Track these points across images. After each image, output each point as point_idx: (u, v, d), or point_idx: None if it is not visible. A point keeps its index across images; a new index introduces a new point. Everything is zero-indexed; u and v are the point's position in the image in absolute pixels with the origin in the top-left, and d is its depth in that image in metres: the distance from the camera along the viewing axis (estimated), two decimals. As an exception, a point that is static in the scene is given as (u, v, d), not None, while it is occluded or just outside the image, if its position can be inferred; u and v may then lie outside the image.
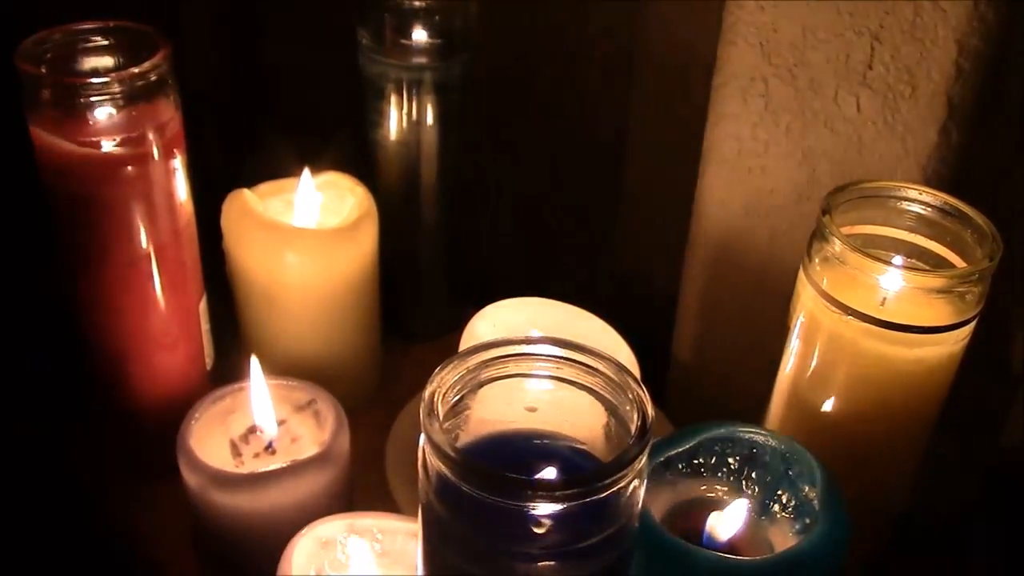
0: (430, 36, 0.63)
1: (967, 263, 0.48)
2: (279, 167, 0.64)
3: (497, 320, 0.57)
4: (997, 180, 0.57)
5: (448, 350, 0.49)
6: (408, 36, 0.63)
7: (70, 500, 0.62)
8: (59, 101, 0.51)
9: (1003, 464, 0.62)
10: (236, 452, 0.55)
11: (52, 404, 0.65)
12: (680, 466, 0.47)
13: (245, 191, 0.62)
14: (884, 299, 0.48)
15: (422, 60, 0.63)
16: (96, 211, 0.53)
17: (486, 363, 0.36)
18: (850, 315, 0.47)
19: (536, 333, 0.56)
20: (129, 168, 0.52)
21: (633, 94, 0.72)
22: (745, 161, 0.59)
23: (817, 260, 0.49)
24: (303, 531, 0.48)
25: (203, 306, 0.60)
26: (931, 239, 0.50)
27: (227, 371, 0.60)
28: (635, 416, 0.35)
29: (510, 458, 0.38)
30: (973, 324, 0.48)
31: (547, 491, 0.32)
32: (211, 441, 0.55)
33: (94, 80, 0.51)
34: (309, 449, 0.54)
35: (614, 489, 0.33)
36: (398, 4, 0.62)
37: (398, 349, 0.70)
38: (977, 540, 0.59)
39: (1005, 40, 0.51)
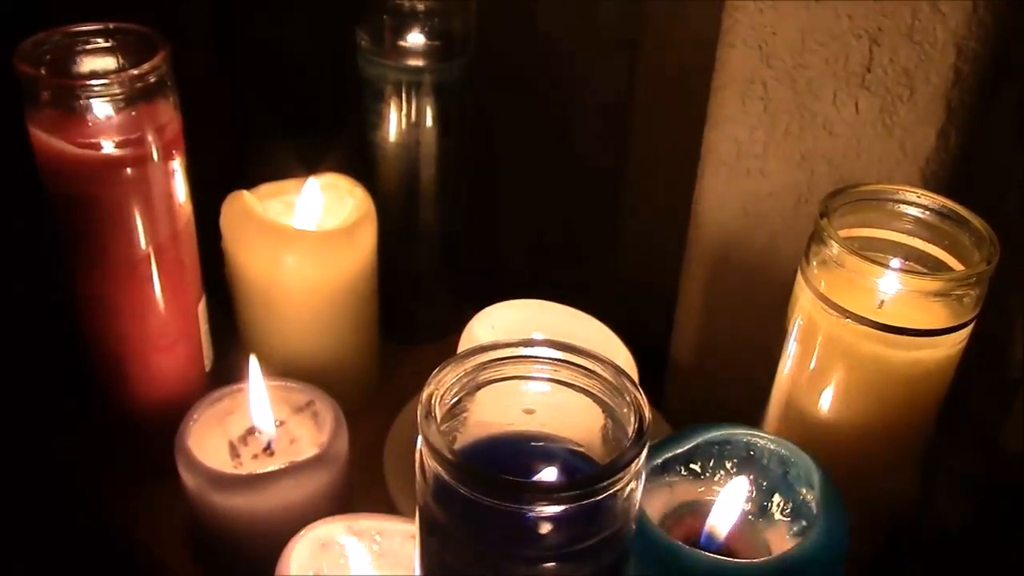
0: (429, 38, 0.63)
1: (965, 266, 0.48)
2: (278, 168, 0.64)
3: (496, 322, 0.57)
4: (995, 183, 0.57)
5: (447, 351, 0.49)
6: (407, 38, 0.63)
7: (68, 501, 0.62)
8: (58, 102, 0.51)
9: (1000, 467, 0.62)
10: (235, 453, 0.55)
11: (51, 405, 0.65)
12: (678, 468, 0.47)
13: (244, 192, 0.62)
14: (882, 302, 0.48)
15: (421, 62, 0.63)
16: (95, 212, 0.53)
17: (484, 365, 0.36)
18: (848, 318, 0.47)
19: (538, 335, 0.56)
20: (128, 169, 0.52)
21: (632, 96, 0.72)
22: (744, 163, 0.59)
23: (815, 263, 0.49)
24: (301, 532, 0.48)
25: (202, 307, 0.60)
26: (929, 242, 0.50)
27: (226, 372, 0.60)
28: (632, 419, 0.35)
29: (508, 460, 0.38)
30: (971, 327, 0.48)
31: (544, 493, 0.32)
32: (209, 442, 0.55)
33: (93, 81, 0.51)
34: (308, 450, 0.54)
35: (611, 491, 0.33)
36: (397, 6, 0.62)
37: (397, 350, 0.70)
38: (974, 543, 0.59)
39: (1003, 43, 0.51)
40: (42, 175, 0.53)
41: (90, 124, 0.51)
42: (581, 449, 0.38)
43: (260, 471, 0.52)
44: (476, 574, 0.35)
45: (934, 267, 0.50)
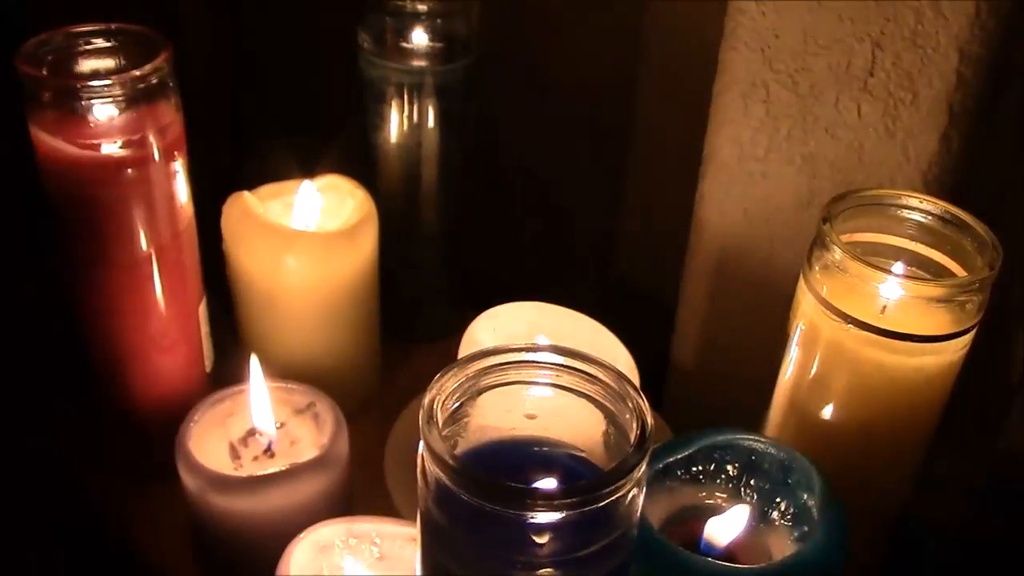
0: (431, 39, 0.63)
1: (967, 271, 0.48)
2: (280, 170, 0.64)
3: (497, 324, 0.57)
4: (998, 188, 0.57)
5: (448, 353, 0.49)
6: (409, 39, 0.63)
7: (69, 501, 0.62)
8: (60, 103, 0.51)
9: (1001, 471, 0.62)
10: (235, 455, 0.55)
11: (52, 405, 0.65)
12: (679, 473, 0.47)
13: (245, 193, 0.62)
14: (884, 307, 0.48)
15: (423, 63, 0.63)
16: (96, 213, 0.53)
17: (486, 370, 0.36)
18: (850, 323, 0.47)
19: (543, 338, 0.56)
20: (130, 170, 0.52)
21: (635, 98, 0.72)
22: (745, 167, 0.59)
23: (817, 268, 0.49)
24: (302, 535, 0.48)
25: (203, 308, 0.60)
26: (931, 247, 0.50)
27: (226, 374, 0.60)
28: (635, 425, 0.35)
29: (509, 465, 0.38)
30: (973, 333, 0.48)
31: (546, 500, 0.32)
32: (210, 444, 0.55)
33: (95, 82, 0.51)
34: (308, 452, 0.54)
35: (613, 498, 0.33)
36: (399, 7, 0.62)
37: (397, 352, 0.70)
38: (974, 546, 0.59)
39: (1006, 47, 0.51)
40: (43, 176, 0.53)
41: (91, 125, 0.51)
42: (583, 455, 0.38)
43: (260, 473, 0.52)
44: (477, 580, 0.35)
45: (936, 272, 0.50)
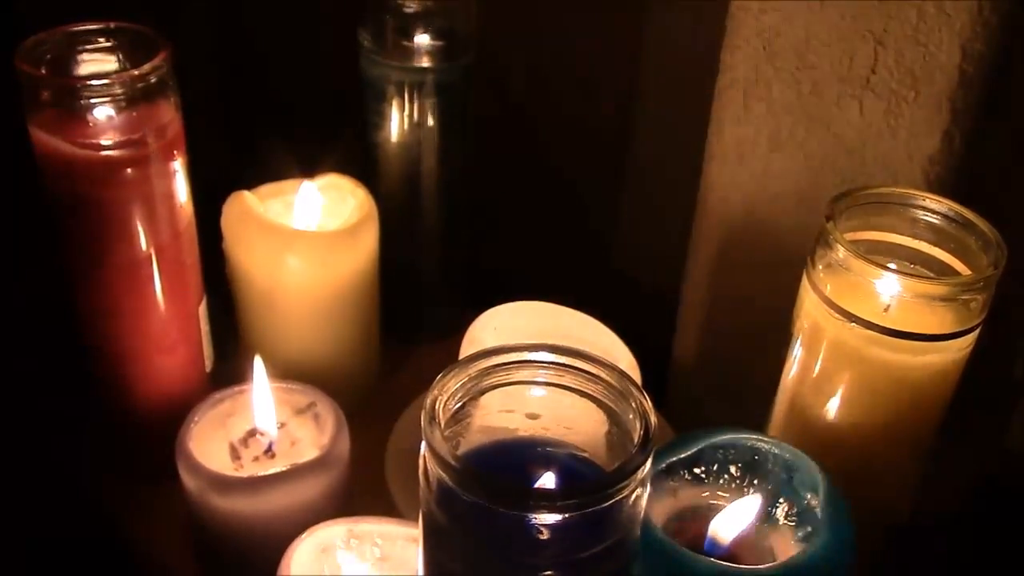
0: (431, 38, 0.63)
1: (971, 270, 0.48)
2: (280, 169, 0.64)
3: (499, 324, 0.57)
4: (1000, 185, 0.57)
5: (449, 353, 0.49)
6: (409, 38, 0.63)
7: (69, 502, 0.62)
8: (59, 102, 0.51)
9: (1005, 470, 0.62)
10: (235, 455, 0.55)
11: (52, 406, 0.64)
12: (682, 472, 0.47)
13: (245, 193, 0.62)
14: (888, 306, 0.48)
15: (423, 62, 0.63)
16: (96, 213, 0.53)
17: (488, 370, 0.36)
18: (854, 322, 0.47)
19: (546, 336, 0.56)
20: (129, 170, 0.52)
21: (636, 97, 0.72)
22: (747, 165, 0.58)
23: (821, 266, 0.49)
24: (302, 535, 0.48)
25: (203, 308, 0.60)
26: (935, 246, 0.50)
27: (227, 374, 0.59)
28: (638, 425, 0.34)
29: (512, 465, 0.38)
30: (977, 331, 0.48)
31: (549, 501, 0.32)
32: (210, 444, 0.54)
33: (94, 81, 0.51)
34: (309, 452, 0.54)
35: (616, 498, 0.33)
36: (399, 6, 0.62)
37: (399, 352, 0.70)
38: (978, 545, 0.59)
39: (1008, 44, 0.51)
40: (42, 176, 0.53)
41: (91, 124, 0.51)
42: (585, 455, 0.38)
43: (261, 473, 0.52)
44: (480, 581, 0.34)
45: (940, 271, 0.50)
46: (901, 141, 0.54)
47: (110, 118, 0.51)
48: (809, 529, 0.45)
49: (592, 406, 0.37)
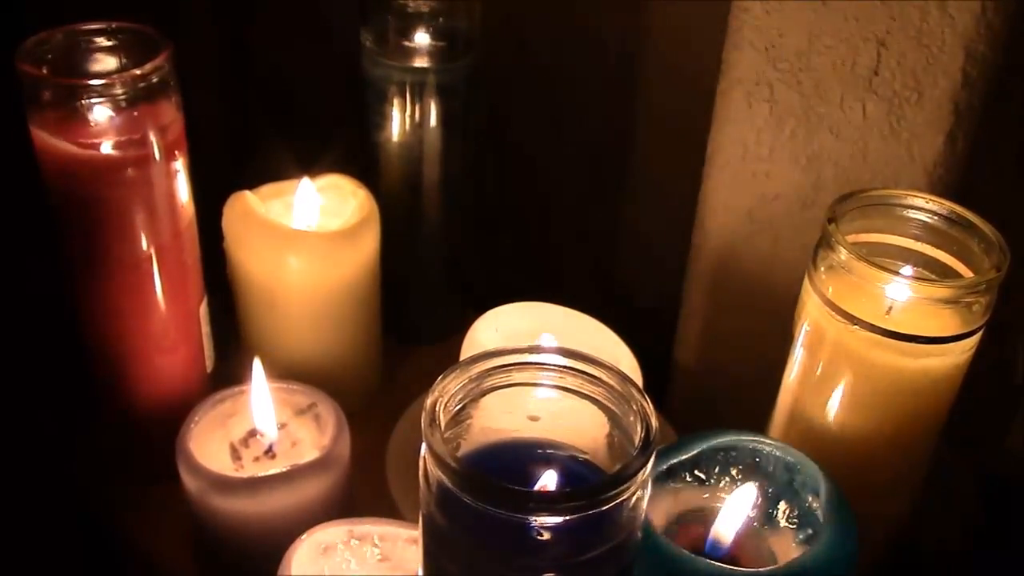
0: (433, 39, 0.63)
1: (974, 272, 0.48)
2: (281, 169, 0.64)
3: (500, 325, 0.57)
4: (1002, 187, 0.57)
5: (450, 354, 0.49)
6: (411, 38, 0.63)
7: (69, 502, 0.62)
8: (60, 102, 0.51)
9: (1006, 472, 0.62)
10: (236, 456, 0.55)
11: (52, 406, 0.64)
12: (682, 474, 0.47)
13: (247, 193, 0.62)
14: (890, 309, 0.47)
15: (425, 63, 0.63)
16: (97, 213, 0.53)
17: (489, 372, 0.36)
18: (856, 324, 0.47)
19: (546, 337, 0.56)
20: (130, 170, 0.52)
21: (637, 97, 0.72)
22: (749, 166, 0.58)
23: (822, 268, 0.49)
24: (303, 536, 0.48)
25: (204, 308, 0.60)
26: (938, 248, 0.50)
27: (227, 374, 0.59)
28: (639, 427, 0.34)
29: (512, 467, 0.38)
30: (980, 334, 0.48)
31: (549, 503, 0.32)
32: (211, 445, 0.54)
33: (95, 81, 0.51)
34: (309, 453, 0.54)
35: (617, 501, 0.32)
36: (401, 6, 0.62)
37: (399, 353, 0.70)
38: (980, 548, 0.59)
39: (1012, 47, 0.51)
40: (43, 176, 0.53)
41: (92, 124, 0.51)
42: (586, 457, 0.38)
43: (261, 474, 0.52)
44: (480, 583, 0.34)
45: (942, 273, 0.49)
46: (903, 143, 0.54)
47: (111, 118, 0.51)
48: (810, 531, 0.45)
49: (593, 408, 0.36)
